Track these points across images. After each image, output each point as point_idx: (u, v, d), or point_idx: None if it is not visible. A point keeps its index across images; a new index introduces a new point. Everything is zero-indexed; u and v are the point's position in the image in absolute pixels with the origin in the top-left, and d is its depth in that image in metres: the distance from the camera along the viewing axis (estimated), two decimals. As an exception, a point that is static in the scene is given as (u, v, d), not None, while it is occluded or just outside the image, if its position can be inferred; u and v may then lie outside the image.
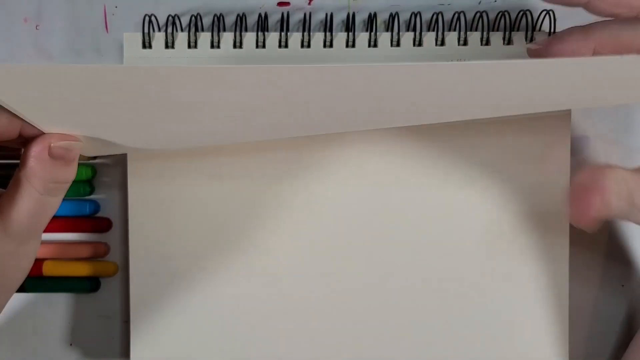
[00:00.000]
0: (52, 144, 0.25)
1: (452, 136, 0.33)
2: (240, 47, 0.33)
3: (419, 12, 0.33)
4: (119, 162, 0.35)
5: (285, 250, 0.33)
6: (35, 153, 0.25)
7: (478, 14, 0.33)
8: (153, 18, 0.33)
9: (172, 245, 0.33)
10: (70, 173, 0.27)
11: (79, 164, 0.34)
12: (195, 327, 0.34)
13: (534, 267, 0.33)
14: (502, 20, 0.33)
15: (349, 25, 0.33)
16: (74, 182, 0.34)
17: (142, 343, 0.34)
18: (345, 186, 0.33)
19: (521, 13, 0.33)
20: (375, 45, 0.33)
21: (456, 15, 0.33)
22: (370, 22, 0.33)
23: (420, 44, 0.33)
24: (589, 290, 0.35)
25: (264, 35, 0.33)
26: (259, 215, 0.33)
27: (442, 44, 0.33)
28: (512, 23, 0.33)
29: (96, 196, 0.36)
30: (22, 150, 0.33)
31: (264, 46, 0.33)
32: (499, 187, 0.33)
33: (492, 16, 0.33)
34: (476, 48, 0.33)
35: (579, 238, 0.34)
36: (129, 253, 0.33)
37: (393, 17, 0.33)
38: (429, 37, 0.33)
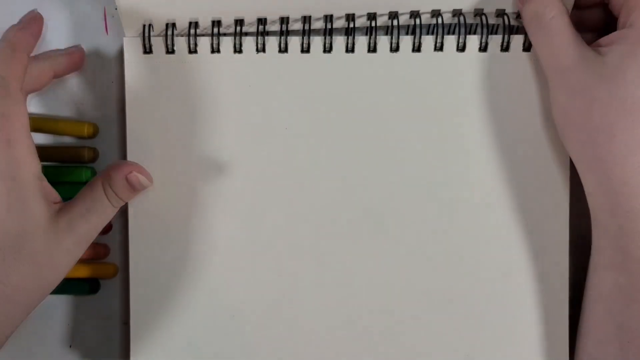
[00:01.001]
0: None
1: (452, 130, 0.33)
2: (240, 52, 0.33)
3: (418, 12, 0.33)
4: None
5: (285, 253, 0.34)
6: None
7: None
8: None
9: (172, 246, 0.33)
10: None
11: (80, 166, 0.35)
12: (195, 328, 0.34)
13: (534, 268, 0.33)
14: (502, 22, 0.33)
15: (349, 28, 0.33)
16: (74, 183, 0.34)
17: (142, 345, 0.34)
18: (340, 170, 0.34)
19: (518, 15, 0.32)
20: (374, 51, 0.33)
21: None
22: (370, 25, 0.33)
23: (419, 50, 0.33)
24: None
25: (263, 39, 0.33)
26: (259, 214, 0.33)
27: (441, 49, 0.33)
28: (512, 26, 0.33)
29: (96, 198, 0.36)
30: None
31: (263, 50, 0.33)
32: (499, 187, 0.33)
33: (491, 18, 0.33)
34: (475, 52, 0.33)
35: (579, 238, 0.34)
36: (128, 255, 0.34)
37: (393, 18, 0.33)
38: (428, 40, 0.33)
